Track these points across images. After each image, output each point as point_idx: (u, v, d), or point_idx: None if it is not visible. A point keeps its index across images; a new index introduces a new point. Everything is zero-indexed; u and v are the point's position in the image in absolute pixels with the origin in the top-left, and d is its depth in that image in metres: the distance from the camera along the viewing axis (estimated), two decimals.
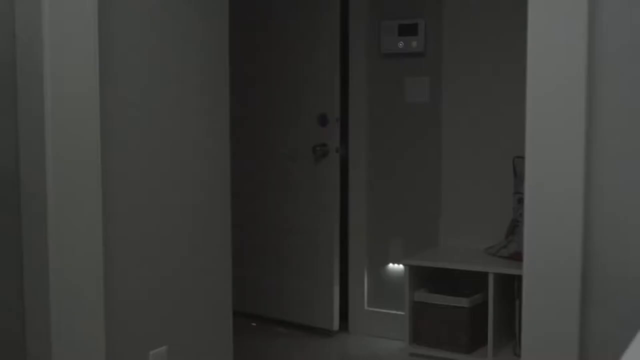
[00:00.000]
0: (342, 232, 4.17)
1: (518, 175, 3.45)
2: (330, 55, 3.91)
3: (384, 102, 3.92)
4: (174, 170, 2.69)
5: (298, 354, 3.73)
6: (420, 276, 3.58)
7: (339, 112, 3.95)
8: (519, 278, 3.24)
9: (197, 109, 2.78)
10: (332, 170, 3.95)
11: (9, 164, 2.23)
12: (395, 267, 3.94)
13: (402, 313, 3.80)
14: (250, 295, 4.31)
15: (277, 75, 4.16)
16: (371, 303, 4.01)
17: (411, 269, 3.51)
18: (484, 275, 3.43)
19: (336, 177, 3.96)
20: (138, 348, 2.57)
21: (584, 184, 2.09)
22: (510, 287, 3.46)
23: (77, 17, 2.23)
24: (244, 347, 3.81)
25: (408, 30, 3.80)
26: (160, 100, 2.61)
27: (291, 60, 4.09)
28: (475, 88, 3.70)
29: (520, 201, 3.41)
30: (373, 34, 3.92)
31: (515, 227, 3.46)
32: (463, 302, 3.41)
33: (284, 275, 4.20)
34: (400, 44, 3.82)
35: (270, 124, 4.21)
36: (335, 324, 4.01)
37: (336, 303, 4.01)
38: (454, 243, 3.78)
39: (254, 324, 4.19)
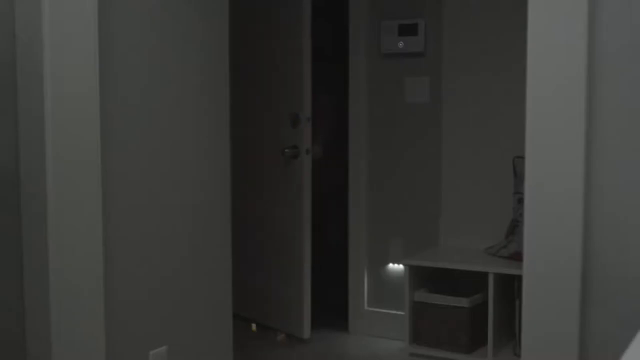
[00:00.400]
0: (342, 232, 4.17)
1: (518, 175, 3.45)
2: (301, 54, 3.79)
3: (384, 102, 3.92)
4: (174, 170, 2.69)
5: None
6: (420, 276, 3.58)
7: (310, 112, 3.81)
8: (519, 278, 3.24)
9: (197, 109, 2.78)
10: (304, 172, 3.79)
11: (9, 164, 2.23)
12: (395, 267, 3.94)
13: (402, 313, 3.80)
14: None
15: (252, 74, 4.11)
16: (371, 303, 4.01)
17: (411, 269, 3.51)
18: (484, 275, 3.43)
19: (308, 179, 3.81)
20: (138, 348, 2.57)
21: (584, 184, 2.09)
22: (510, 287, 3.46)
23: (77, 17, 2.23)
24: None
25: (408, 30, 3.80)
26: (160, 100, 2.61)
27: (265, 60, 4.03)
28: (475, 88, 3.70)
29: (520, 201, 3.41)
30: (373, 34, 3.92)
31: (515, 227, 3.46)
32: (463, 302, 3.40)
33: (260, 277, 4.13)
34: (400, 44, 3.82)
35: (244, 124, 4.17)
36: (307, 332, 3.85)
37: (307, 309, 3.85)
38: (454, 243, 3.78)
39: (253, 327, 4.17)
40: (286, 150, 3.79)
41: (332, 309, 4.32)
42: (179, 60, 2.68)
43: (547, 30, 2.11)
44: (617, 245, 2.08)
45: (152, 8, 2.56)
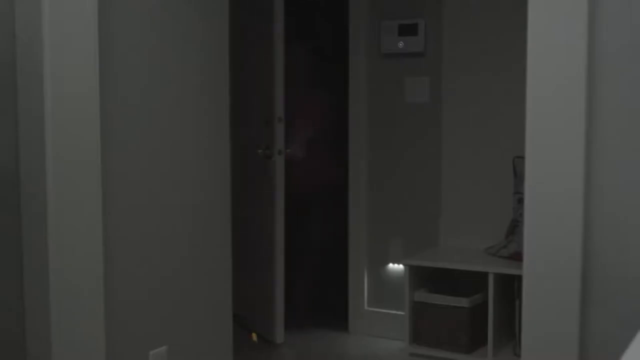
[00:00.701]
0: (342, 232, 4.17)
1: (518, 175, 3.45)
2: (274, 54, 3.75)
3: (384, 102, 3.92)
4: (174, 170, 2.69)
5: None
6: (420, 276, 3.58)
7: (282, 112, 3.77)
8: (519, 278, 3.23)
9: (197, 109, 2.78)
10: (277, 172, 3.76)
11: (9, 164, 2.23)
12: (395, 267, 3.94)
13: (402, 313, 3.80)
14: None
15: (236, 73, 4.09)
16: (371, 303, 4.01)
17: (411, 269, 3.51)
18: (484, 275, 3.42)
19: (281, 180, 3.78)
20: (138, 348, 2.57)
21: (584, 184, 2.09)
22: (510, 287, 3.45)
23: (77, 17, 2.23)
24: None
25: (408, 30, 3.80)
26: (160, 100, 2.61)
27: (239, 61, 3.98)
28: (475, 88, 3.70)
29: (520, 201, 3.41)
30: (373, 34, 3.92)
31: (515, 227, 3.46)
32: (463, 302, 3.40)
33: (242, 277, 4.08)
34: (400, 44, 3.82)
35: (230, 124, 4.15)
36: (279, 336, 3.81)
37: (279, 312, 3.80)
38: (454, 243, 3.78)
39: (254, 337, 4.10)
40: (259, 151, 3.79)
41: (332, 309, 4.32)
42: (179, 60, 2.68)
43: (547, 30, 2.11)
44: (617, 245, 2.08)
45: (152, 8, 2.56)
